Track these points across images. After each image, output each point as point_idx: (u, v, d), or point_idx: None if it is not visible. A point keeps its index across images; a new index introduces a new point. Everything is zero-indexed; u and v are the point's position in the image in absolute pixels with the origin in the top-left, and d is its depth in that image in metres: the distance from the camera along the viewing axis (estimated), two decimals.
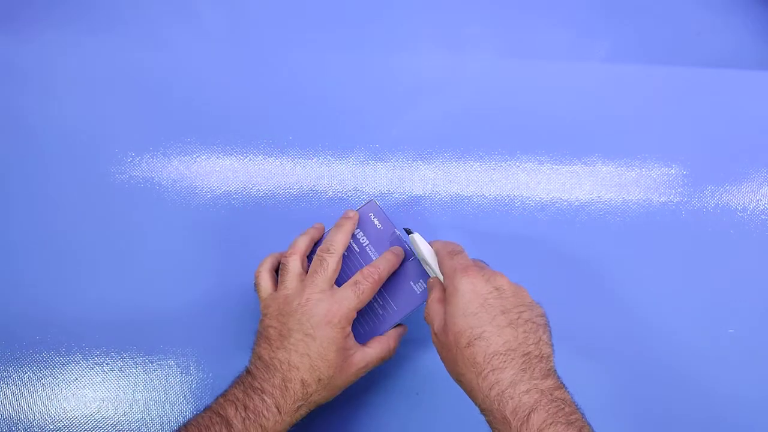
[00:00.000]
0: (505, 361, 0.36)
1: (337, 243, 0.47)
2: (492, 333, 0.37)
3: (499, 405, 0.34)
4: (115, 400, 0.51)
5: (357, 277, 0.45)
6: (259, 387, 0.40)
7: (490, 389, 0.35)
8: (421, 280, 0.49)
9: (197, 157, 0.59)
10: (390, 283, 0.49)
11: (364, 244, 0.50)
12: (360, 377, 0.45)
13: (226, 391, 0.41)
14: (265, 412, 0.39)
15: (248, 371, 0.42)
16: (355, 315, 0.44)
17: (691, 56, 0.63)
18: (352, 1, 0.65)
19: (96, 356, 0.53)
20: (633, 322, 0.54)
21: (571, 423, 0.34)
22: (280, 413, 0.40)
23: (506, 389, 0.35)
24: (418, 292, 0.49)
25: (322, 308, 0.43)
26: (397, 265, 0.48)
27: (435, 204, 0.58)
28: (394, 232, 0.50)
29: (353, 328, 0.46)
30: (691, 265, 0.56)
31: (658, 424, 0.52)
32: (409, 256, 0.50)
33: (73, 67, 0.62)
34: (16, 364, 0.52)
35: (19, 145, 0.59)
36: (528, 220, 0.57)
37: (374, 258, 0.50)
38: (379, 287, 0.46)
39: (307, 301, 0.43)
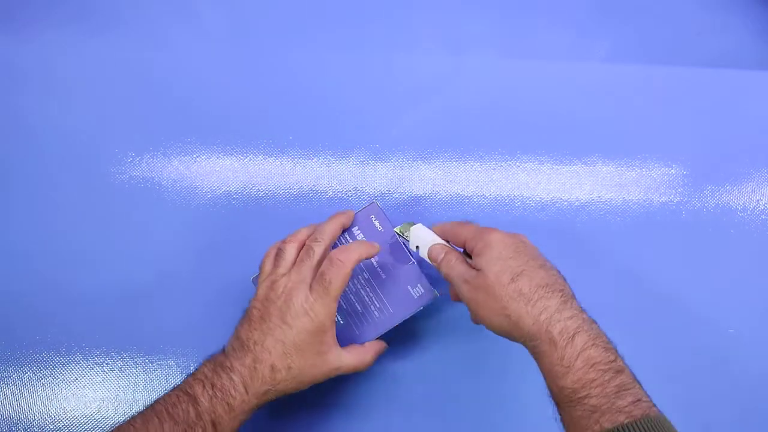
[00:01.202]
0: (548, 292, 0.40)
1: (325, 233, 0.47)
2: (531, 270, 0.41)
3: (548, 327, 0.38)
4: (115, 400, 0.51)
5: (324, 265, 0.44)
6: (229, 365, 0.41)
7: (540, 314, 0.39)
8: (419, 285, 0.49)
9: (197, 157, 0.59)
10: (388, 286, 0.49)
11: None
12: (331, 378, 0.44)
13: (195, 370, 0.42)
14: (232, 391, 0.40)
15: (223, 349, 0.43)
16: (334, 306, 0.43)
17: (691, 56, 0.63)
18: (352, 1, 0.65)
19: (96, 356, 0.53)
20: (632, 322, 0.54)
21: (609, 349, 0.38)
22: (248, 393, 0.40)
23: (554, 314, 0.39)
24: (416, 297, 0.48)
25: (301, 298, 0.43)
26: (368, 255, 0.46)
27: (435, 204, 0.58)
28: (395, 234, 0.50)
29: (348, 328, 0.46)
30: (691, 265, 0.56)
31: None
32: (406, 260, 0.49)
33: (73, 67, 0.62)
34: (16, 364, 0.52)
35: (19, 145, 0.59)
36: (528, 220, 0.57)
37: (374, 260, 0.50)
38: (349, 272, 0.44)
39: (291, 289, 0.43)
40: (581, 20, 0.65)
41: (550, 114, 0.61)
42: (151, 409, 0.40)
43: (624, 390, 0.36)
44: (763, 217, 0.58)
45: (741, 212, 0.58)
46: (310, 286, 0.44)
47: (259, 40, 0.63)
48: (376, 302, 0.49)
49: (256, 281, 0.48)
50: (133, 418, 0.39)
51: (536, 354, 0.39)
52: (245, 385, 0.40)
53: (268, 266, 0.47)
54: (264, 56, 0.62)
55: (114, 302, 0.54)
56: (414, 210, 0.57)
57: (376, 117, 0.60)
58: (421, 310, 0.49)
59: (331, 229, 0.48)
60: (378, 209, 0.51)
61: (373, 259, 0.50)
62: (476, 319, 0.44)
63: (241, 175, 0.58)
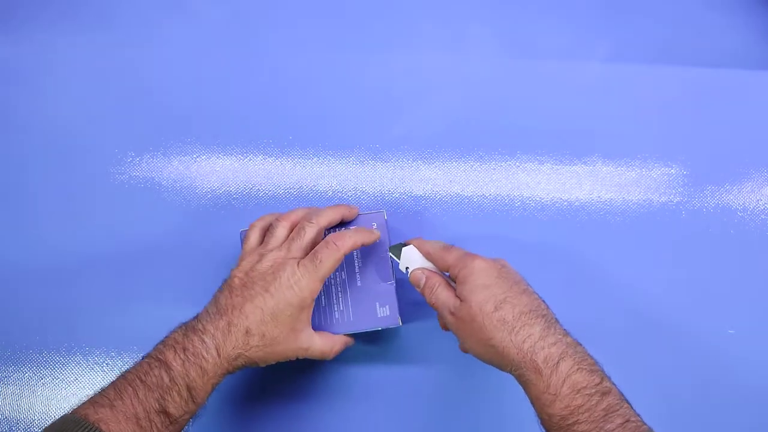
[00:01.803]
0: (531, 319, 0.40)
1: (321, 216, 0.47)
2: (514, 297, 0.41)
3: (532, 356, 0.38)
4: None
5: (318, 246, 0.45)
6: (201, 328, 0.41)
7: (523, 342, 0.39)
8: (387, 306, 0.49)
9: (197, 157, 0.59)
10: (359, 295, 0.49)
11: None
12: (294, 359, 0.45)
13: (165, 336, 0.42)
14: (204, 354, 0.40)
15: (197, 315, 0.43)
16: (319, 286, 0.44)
17: (692, 56, 0.63)
18: (353, 0, 0.65)
19: (96, 356, 0.53)
20: (632, 323, 0.54)
21: (594, 371, 0.38)
22: (219, 356, 0.40)
23: (537, 341, 0.39)
24: (379, 315, 0.48)
25: (288, 272, 0.43)
26: (363, 242, 0.47)
27: (435, 204, 0.58)
28: (387, 251, 0.50)
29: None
30: (691, 265, 0.56)
31: (655, 424, 0.52)
32: (387, 279, 0.49)
33: (72, 67, 0.62)
34: (16, 364, 0.52)
35: (17, 145, 0.59)
36: (528, 220, 0.57)
37: (357, 266, 0.50)
38: (341, 257, 0.45)
39: (279, 264, 0.44)
40: (581, 20, 0.65)
41: (550, 114, 0.61)
42: (123, 378, 0.39)
43: (612, 412, 0.36)
44: (763, 217, 0.58)
45: (741, 212, 0.58)
46: (299, 263, 0.44)
47: (259, 40, 0.63)
48: (341, 304, 0.49)
49: (243, 235, 0.49)
50: (104, 389, 0.39)
51: (523, 383, 0.40)
52: (217, 348, 0.40)
53: (255, 238, 0.48)
54: (264, 56, 0.62)
55: (114, 302, 0.54)
56: (414, 210, 0.57)
57: (376, 117, 0.60)
58: (379, 330, 0.49)
59: (328, 215, 0.48)
60: (383, 221, 0.51)
61: (356, 265, 0.50)
62: (464, 348, 0.44)
63: (241, 175, 0.58)
